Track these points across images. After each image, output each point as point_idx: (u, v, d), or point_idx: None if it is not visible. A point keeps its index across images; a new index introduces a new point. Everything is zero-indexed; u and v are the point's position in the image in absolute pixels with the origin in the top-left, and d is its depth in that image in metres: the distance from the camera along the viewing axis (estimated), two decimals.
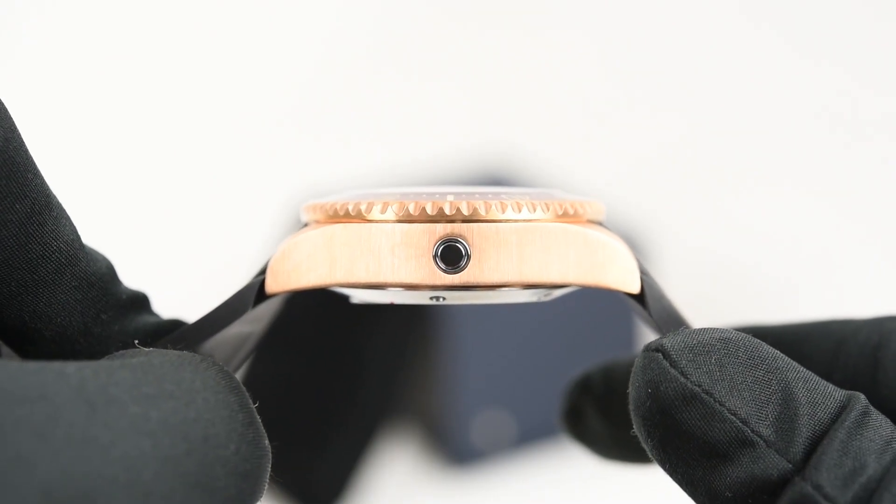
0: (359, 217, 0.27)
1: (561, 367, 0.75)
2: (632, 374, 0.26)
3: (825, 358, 0.28)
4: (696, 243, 0.91)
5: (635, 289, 0.27)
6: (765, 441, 0.24)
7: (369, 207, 0.27)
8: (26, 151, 0.26)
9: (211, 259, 0.89)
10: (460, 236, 0.26)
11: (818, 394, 0.25)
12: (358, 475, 0.73)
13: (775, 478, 0.24)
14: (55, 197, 0.26)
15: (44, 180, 0.26)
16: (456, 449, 0.75)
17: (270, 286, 0.27)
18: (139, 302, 0.28)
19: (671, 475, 0.25)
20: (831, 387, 0.25)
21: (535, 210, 0.27)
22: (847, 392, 0.25)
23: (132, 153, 0.98)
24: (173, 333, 0.27)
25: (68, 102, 0.99)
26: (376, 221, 0.27)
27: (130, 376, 0.23)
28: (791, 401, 0.24)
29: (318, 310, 0.74)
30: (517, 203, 0.27)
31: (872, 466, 0.24)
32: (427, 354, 0.73)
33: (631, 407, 0.26)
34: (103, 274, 0.27)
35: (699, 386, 0.25)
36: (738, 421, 0.24)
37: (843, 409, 0.24)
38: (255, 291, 0.27)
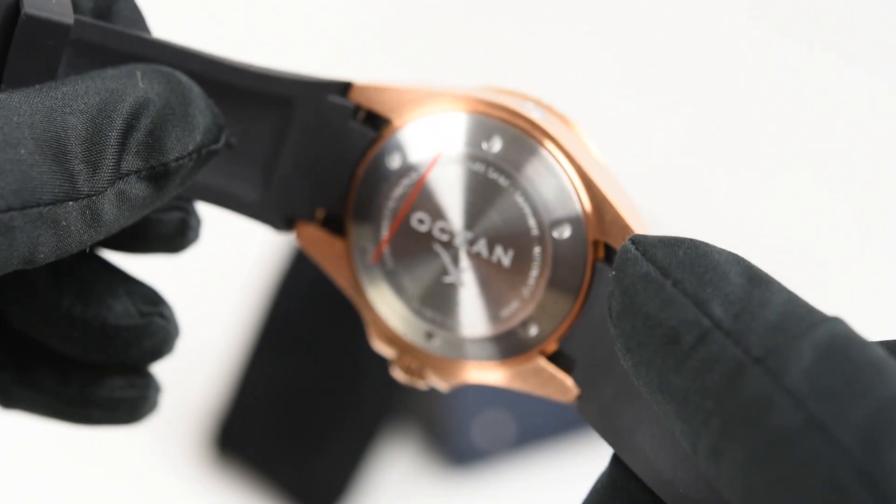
0: None
1: None
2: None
3: None
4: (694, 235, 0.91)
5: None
6: (719, 326, 0.23)
7: None
8: None
9: (207, 259, 0.89)
10: None
11: (789, 297, 0.23)
12: (358, 475, 0.73)
13: (731, 364, 0.22)
14: None
15: None
16: (456, 449, 0.75)
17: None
18: None
19: (636, 378, 0.24)
20: (808, 303, 0.23)
21: None
22: (828, 315, 0.23)
23: None
24: None
25: None
26: None
27: None
28: (756, 290, 0.23)
29: (318, 310, 0.74)
30: None
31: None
32: None
33: (608, 305, 0.24)
34: None
35: (659, 268, 0.24)
36: (692, 304, 0.23)
37: (820, 322, 0.22)
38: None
